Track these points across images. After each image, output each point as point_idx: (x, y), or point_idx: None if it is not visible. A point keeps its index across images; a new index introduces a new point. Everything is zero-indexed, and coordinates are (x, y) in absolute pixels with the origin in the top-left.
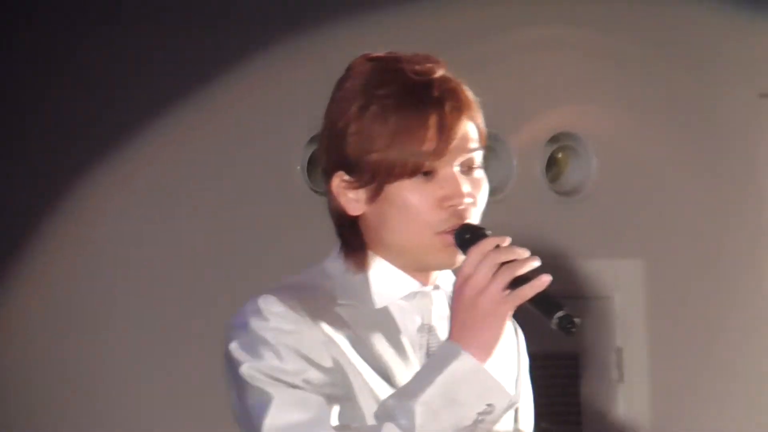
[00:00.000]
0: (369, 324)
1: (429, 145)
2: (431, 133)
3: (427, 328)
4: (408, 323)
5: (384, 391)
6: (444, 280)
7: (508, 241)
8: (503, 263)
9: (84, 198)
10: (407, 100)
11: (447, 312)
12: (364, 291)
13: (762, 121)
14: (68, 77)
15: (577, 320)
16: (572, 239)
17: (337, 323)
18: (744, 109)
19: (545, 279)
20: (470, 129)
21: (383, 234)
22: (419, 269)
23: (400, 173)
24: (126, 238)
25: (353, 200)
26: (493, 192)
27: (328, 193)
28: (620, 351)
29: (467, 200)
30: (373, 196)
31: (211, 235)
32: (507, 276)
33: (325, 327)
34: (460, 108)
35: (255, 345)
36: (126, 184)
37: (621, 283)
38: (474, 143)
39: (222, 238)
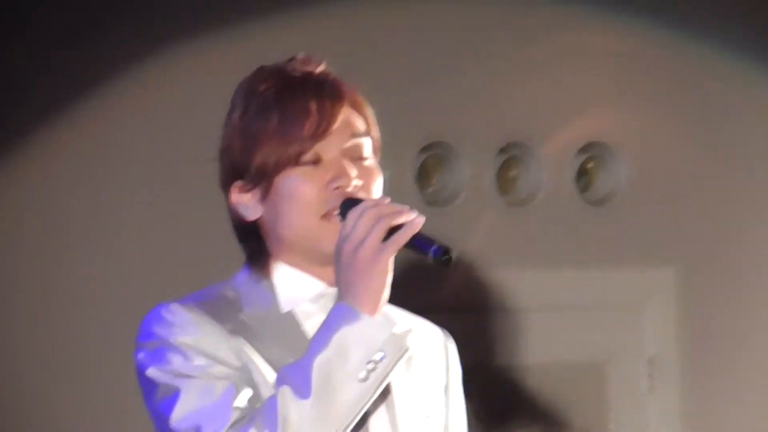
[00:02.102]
0: (274, 329)
1: (309, 129)
2: (312, 118)
3: None
4: (315, 325)
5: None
6: None
7: (387, 200)
8: (379, 217)
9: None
10: (286, 91)
11: None
12: (269, 298)
13: None
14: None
15: (453, 251)
16: (603, 248)
17: (242, 328)
18: None
19: (418, 221)
20: (354, 117)
21: (279, 231)
22: (320, 261)
23: (285, 162)
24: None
25: (249, 205)
26: (523, 202)
27: (229, 209)
28: (652, 361)
29: (356, 182)
30: (265, 193)
31: None
32: (383, 226)
33: (230, 330)
34: (340, 95)
35: (159, 349)
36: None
37: (652, 293)
38: (360, 131)
39: None
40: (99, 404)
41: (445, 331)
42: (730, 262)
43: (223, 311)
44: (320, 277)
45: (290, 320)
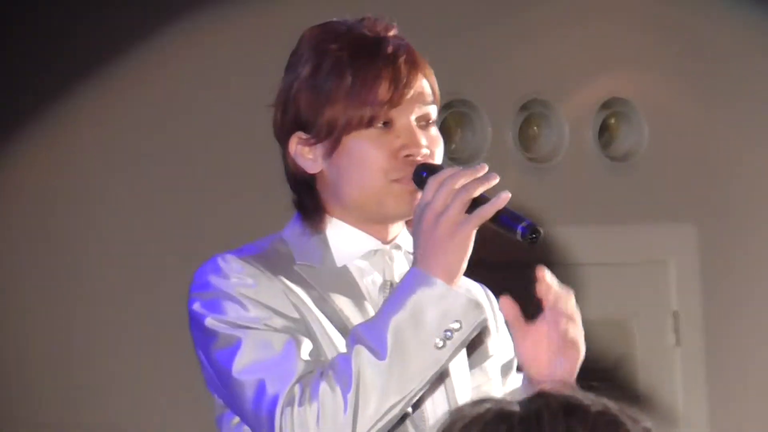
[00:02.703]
0: (329, 282)
1: (385, 94)
2: (387, 83)
3: (389, 285)
4: (368, 281)
5: (345, 345)
6: (405, 239)
7: (461, 170)
8: (461, 188)
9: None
10: (362, 53)
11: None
12: (322, 251)
13: None
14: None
15: (540, 229)
16: (626, 204)
17: (297, 280)
18: None
19: (504, 196)
20: (425, 85)
21: (340, 188)
22: (378, 221)
23: (357, 123)
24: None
25: (310, 159)
26: (545, 159)
27: (285, 157)
28: (677, 315)
29: (424, 151)
30: (331, 150)
31: None
32: (465, 197)
33: (286, 282)
34: (414, 62)
35: (217, 300)
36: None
37: (675, 247)
38: (429, 99)
39: None
40: (100, 405)
41: (482, 284)
42: (751, 217)
43: (277, 263)
44: (372, 234)
45: (345, 275)
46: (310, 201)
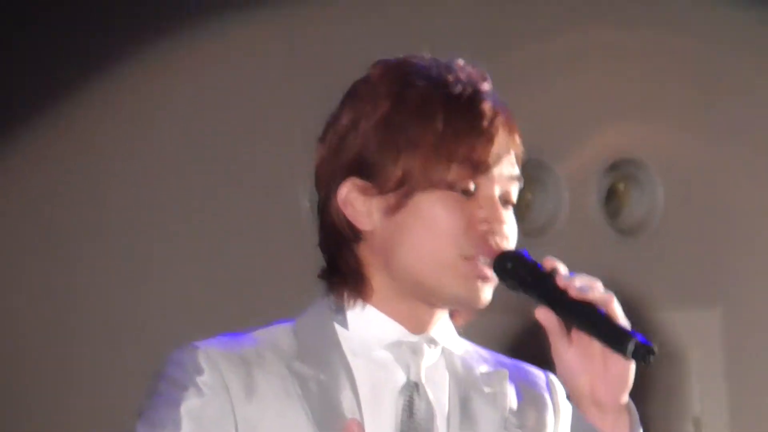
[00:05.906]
0: (330, 386)
1: (479, 156)
2: (483, 143)
3: (412, 387)
4: (386, 380)
5: None
6: (444, 335)
7: None
8: None
9: None
10: (456, 100)
11: (445, 377)
12: (334, 342)
13: None
14: None
15: (654, 348)
16: (637, 286)
17: (278, 390)
18: None
19: None
20: (512, 157)
21: (394, 252)
22: (427, 301)
23: (439, 181)
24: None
25: (363, 212)
26: (541, 231)
27: (324, 208)
28: (698, 421)
29: (506, 230)
30: (396, 206)
31: None
32: None
33: (252, 394)
34: (512, 127)
35: (159, 402)
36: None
37: (697, 339)
38: (515, 174)
39: None
40: (98, 406)
41: (546, 373)
42: None
43: (264, 367)
44: (404, 321)
45: (358, 371)
46: (349, 264)
